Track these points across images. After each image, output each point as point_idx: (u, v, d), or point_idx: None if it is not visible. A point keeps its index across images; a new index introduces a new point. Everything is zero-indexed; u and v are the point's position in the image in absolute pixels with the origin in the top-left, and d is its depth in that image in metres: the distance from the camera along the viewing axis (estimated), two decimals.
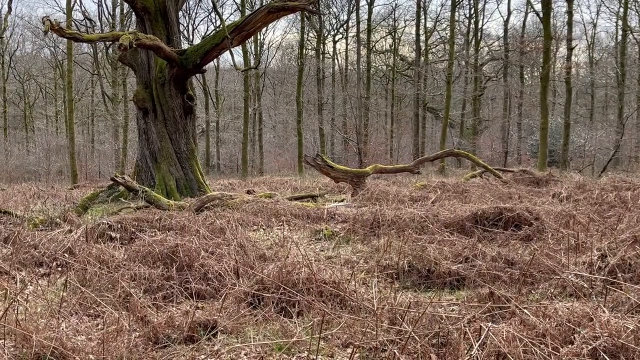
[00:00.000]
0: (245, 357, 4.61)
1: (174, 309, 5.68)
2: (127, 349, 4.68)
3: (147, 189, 13.16)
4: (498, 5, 53.05)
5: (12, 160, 44.51)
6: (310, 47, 48.68)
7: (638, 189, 13.50)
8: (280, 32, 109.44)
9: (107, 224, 9.62)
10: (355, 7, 45.70)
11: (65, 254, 7.92)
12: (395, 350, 4.17)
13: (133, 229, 9.52)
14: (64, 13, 35.49)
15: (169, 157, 16.52)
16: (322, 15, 43.58)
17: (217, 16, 40.52)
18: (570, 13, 32.71)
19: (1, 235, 9.34)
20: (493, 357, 4.07)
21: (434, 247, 7.61)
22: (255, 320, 5.42)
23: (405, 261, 7.19)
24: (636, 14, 41.00)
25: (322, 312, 4.95)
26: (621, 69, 38.90)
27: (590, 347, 4.00)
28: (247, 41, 34.06)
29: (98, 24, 39.76)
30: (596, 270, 6.34)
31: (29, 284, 6.92)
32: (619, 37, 42.33)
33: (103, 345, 4.62)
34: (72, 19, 30.93)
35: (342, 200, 15.40)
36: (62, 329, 4.98)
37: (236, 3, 43.94)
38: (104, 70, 43.64)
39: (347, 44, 51.43)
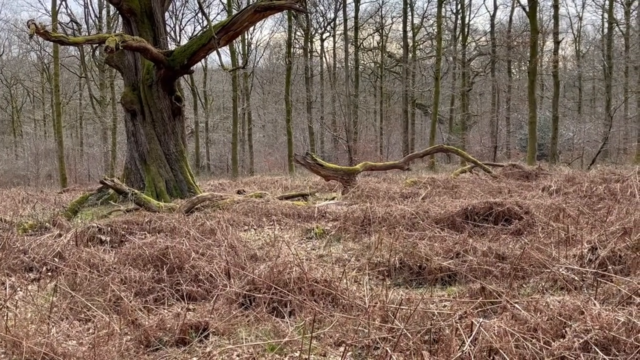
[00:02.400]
0: (237, 358, 4.59)
1: (165, 311, 5.66)
2: (118, 353, 4.66)
3: (136, 191, 13.09)
4: (484, 0, 52.99)
5: (1, 165, 44.20)
6: (298, 46, 48.66)
7: (627, 181, 13.55)
8: (268, 31, 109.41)
9: (97, 227, 9.55)
10: (342, 5, 45.67)
11: (55, 259, 7.88)
12: (387, 348, 4.17)
13: (123, 232, 9.46)
14: (49, 16, 35.25)
15: (158, 159, 16.42)
16: (309, 14, 43.55)
17: (203, 16, 40.34)
18: (556, 7, 32.85)
19: None
20: (485, 353, 4.07)
21: (424, 243, 7.62)
22: (247, 321, 5.41)
23: (396, 258, 7.19)
24: (622, 6, 41.20)
25: (314, 311, 4.95)
26: (608, 62, 39.09)
27: (581, 341, 4.01)
28: (234, 41, 33.97)
29: (84, 26, 39.60)
30: (587, 263, 6.37)
31: (19, 289, 6.87)
32: (605, 30, 42.62)
33: (94, 350, 4.59)
34: (57, 22, 30.71)
35: (332, 199, 15.38)
36: (53, 334, 4.95)
37: (223, 3, 43.91)
38: (91, 73, 43.39)
39: (334, 42, 51.51)
